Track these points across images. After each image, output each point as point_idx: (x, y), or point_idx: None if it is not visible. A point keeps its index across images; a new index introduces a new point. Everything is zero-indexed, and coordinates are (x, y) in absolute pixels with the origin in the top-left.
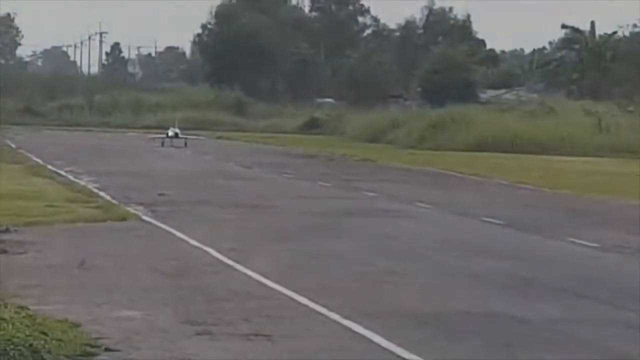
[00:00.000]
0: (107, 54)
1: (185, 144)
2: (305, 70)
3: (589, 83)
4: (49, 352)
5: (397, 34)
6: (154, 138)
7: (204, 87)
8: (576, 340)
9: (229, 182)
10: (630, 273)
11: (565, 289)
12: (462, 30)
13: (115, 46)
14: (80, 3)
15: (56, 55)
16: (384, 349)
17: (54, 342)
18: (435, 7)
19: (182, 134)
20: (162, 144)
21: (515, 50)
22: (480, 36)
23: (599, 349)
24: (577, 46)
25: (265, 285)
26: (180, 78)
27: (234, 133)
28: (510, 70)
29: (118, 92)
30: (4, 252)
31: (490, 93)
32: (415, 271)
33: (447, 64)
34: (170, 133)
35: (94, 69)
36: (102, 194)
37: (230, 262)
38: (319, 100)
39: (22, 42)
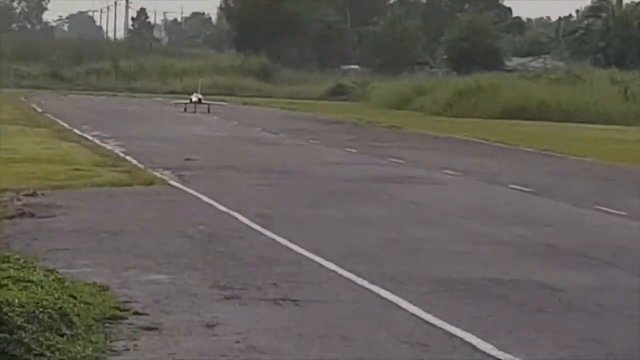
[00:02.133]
0: (133, 19)
1: (208, 110)
2: (332, 37)
3: (615, 51)
4: (78, 315)
5: (424, 1)
6: (176, 103)
7: (229, 53)
8: (606, 308)
9: (256, 148)
10: None
11: (594, 257)
12: None
13: (142, 11)
14: None
15: (82, 20)
16: (413, 314)
17: (82, 305)
18: None
19: (205, 99)
20: (185, 110)
21: (542, 18)
22: (506, 3)
23: (628, 317)
24: (603, 14)
25: (293, 251)
26: (206, 44)
27: (260, 99)
28: (536, 38)
29: (144, 58)
30: (32, 215)
31: (517, 61)
32: (443, 238)
33: (474, 31)
34: (194, 98)
35: (120, 34)
36: (128, 158)
37: (257, 227)
38: (345, 67)
39: (48, 6)
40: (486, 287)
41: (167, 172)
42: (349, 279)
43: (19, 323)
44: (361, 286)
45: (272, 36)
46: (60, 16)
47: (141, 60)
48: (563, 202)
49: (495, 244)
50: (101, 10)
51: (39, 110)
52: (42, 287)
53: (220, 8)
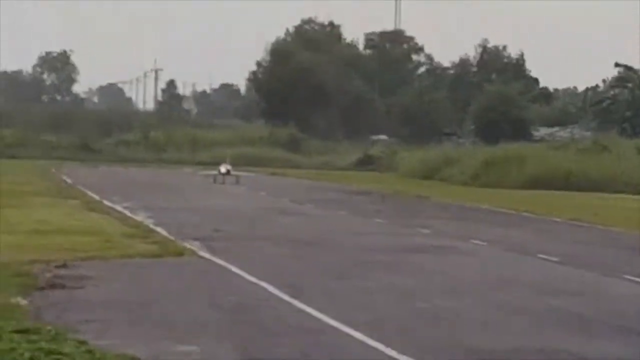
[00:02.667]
0: (162, 90)
1: (237, 181)
2: (360, 107)
3: None
4: None
5: (451, 71)
6: (206, 175)
7: (258, 124)
8: None
9: (284, 219)
10: None
11: (623, 326)
12: (516, 68)
13: (171, 83)
14: (136, 40)
15: (112, 91)
16: None
17: None
18: (489, 45)
19: (234, 170)
20: (214, 181)
21: (569, 88)
22: (533, 74)
23: None
24: (630, 84)
25: (321, 321)
26: (234, 115)
27: (288, 170)
28: (563, 108)
29: (173, 128)
30: (63, 287)
31: (544, 131)
32: (471, 307)
33: (501, 101)
34: (223, 170)
35: (149, 106)
36: (158, 229)
37: (286, 297)
38: (373, 137)
39: (78, 78)
40: (513, 357)
41: (197, 243)
42: (377, 349)
43: None
44: (390, 356)
45: (300, 107)
46: (90, 88)
47: (170, 131)
48: (591, 272)
49: (522, 313)
50: (131, 82)
51: (69, 181)
52: (73, 359)
53: (248, 79)
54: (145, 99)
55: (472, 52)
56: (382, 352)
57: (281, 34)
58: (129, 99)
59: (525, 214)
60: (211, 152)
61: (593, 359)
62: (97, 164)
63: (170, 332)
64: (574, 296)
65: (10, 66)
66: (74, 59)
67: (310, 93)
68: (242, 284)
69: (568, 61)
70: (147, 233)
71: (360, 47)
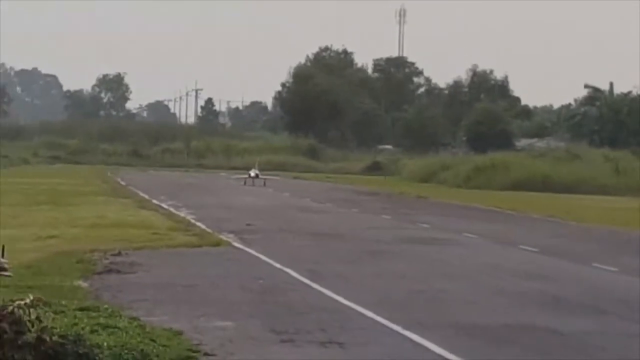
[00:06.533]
0: (201, 107)
1: (264, 183)
2: (369, 122)
3: (608, 134)
4: (157, 355)
5: (446, 92)
6: (237, 178)
7: (283, 135)
8: (604, 349)
9: (305, 215)
10: None
11: (591, 306)
12: (501, 89)
13: (209, 100)
14: (180, 65)
15: (159, 108)
16: (440, 356)
17: (160, 347)
18: (479, 69)
19: (261, 174)
20: (245, 183)
21: (546, 105)
22: (516, 94)
23: (622, 357)
24: (598, 103)
25: (337, 301)
26: (263, 127)
27: (308, 174)
28: (541, 122)
29: (211, 139)
30: (117, 272)
31: (525, 142)
32: (464, 290)
33: (488, 117)
34: (252, 174)
35: (191, 120)
36: (198, 223)
37: (307, 281)
38: (380, 146)
39: (130, 97)
40: (500, 331)
41: (231, 235)
42: (384, 325)
43: None
44: (395, 331)
45: (318, 121)
46: (141, 104)
47: (208, 141)
48: (565, 260)
49: (507, 295)
50: (175, 100)
51: (123, 183)
52: (126, 332)
53: (274, 97)
54: (187, 114)
55: (464, 75)
56: (388, 327)
57: (302, 59)
58: (174, 114)
59: (509, 211)
60: (243, 159)
61: (566, 332)
62: (146, 169)
63: (209, 310)
64: (551, 281)
65: (73, 86)
66: (127, 79)
67: (327, 109)
68: (269, 269)
69: (545, 83)
70: (188, 227)
71: (369, 70)
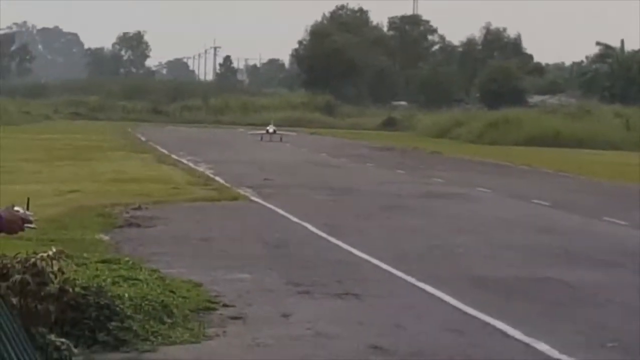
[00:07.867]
0: (220, 64)
1: (281, 139)
2: (384, 79)
3: (619, 90)
4: (177, 306)
5: (460, 49)
6: (254, 134)
7: (299, 92)
8: (613, 301)
9: (322, 170)
10: None
11: (602, 259)
12: (514, 46)
13: (227, 58)
14: (199, 22)
15: (178, 65)
16: (454, 307)
17: (180, 298)
18: (492, 27)
19: (278, 130)
20: (262, 139)
21: (558, 63)
22: (529, 51)
23: (630, 307)
24: (609, 60)
25: (353, 254)
26: (280, 84)
27: (325, 130)
28: (553, 79)
29: (228, 96)
30: (138, 225)
31: (537, 98)
32: (476, 244)
33: (502, 74)
34: (270, 129)
35: (209, 77)
36: (217, 178)
37: (324, 234)
38: (395, 103)
39: (150, 54)
40: (513, 283)
41: (249, 189)
42: (400, 277)
43: (128, 313)
44: (410, 283)
45: (334, 78)
46: (160, 62)
47: (226, 98)
48: (576, 214)
49: (520, 248)
50: (194, 57)
51: (143, 139)
52: (147, 284)
53: (292, 55)
54: (205, 71)
55: (477, 33)
56: (403, 280)
57: (319, 17)
58: (192, 72)
59: (521, 166)
60: (260, 115)
61: (576, 284)
62: (165, 125)
63: (227, 262)
64: (562, 234)
65: (94, 44)
66: (146, 38)
67: (343, 67)
68: (286, 223)
69: (557, 40)
70: (207, 181)
71: (385, 29)
